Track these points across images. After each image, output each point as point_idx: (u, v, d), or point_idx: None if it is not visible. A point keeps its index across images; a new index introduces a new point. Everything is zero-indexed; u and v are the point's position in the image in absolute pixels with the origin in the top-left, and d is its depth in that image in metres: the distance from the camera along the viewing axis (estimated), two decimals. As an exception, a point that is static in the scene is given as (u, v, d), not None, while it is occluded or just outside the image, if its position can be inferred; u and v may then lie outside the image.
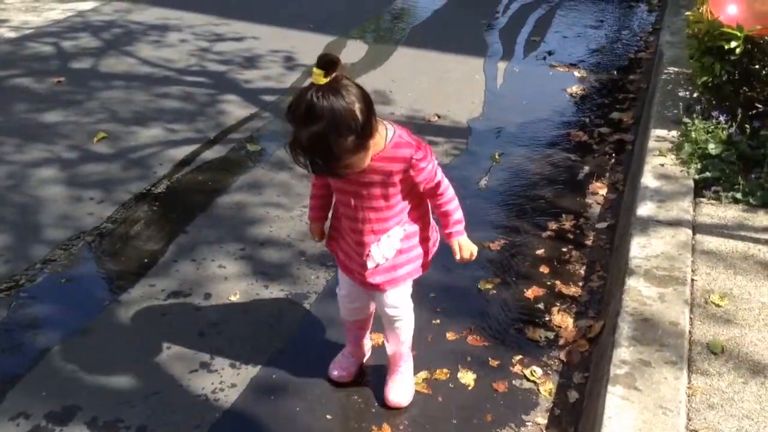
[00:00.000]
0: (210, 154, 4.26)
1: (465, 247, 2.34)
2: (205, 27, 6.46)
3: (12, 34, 6.06)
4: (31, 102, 4.82)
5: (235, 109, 4.84)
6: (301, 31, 6.37)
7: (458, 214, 2.33)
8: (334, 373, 2.63)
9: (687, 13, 4.37)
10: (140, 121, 4.61)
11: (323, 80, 1.90)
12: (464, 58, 5.92)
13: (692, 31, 4.06)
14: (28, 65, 5.44)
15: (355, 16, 6.92)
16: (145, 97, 4.97)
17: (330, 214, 2.44)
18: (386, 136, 2.12)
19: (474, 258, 2.35)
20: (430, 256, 2.42)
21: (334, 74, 1.91)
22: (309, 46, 5.95)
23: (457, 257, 2.34)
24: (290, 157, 1.99)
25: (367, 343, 2.71)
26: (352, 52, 5.95)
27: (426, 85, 5.31)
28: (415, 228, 2.33)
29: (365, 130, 1.98)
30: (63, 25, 6.37)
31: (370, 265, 2.28)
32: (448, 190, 2.28)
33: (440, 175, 2.24)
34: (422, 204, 2.33)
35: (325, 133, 1.90)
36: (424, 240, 2.37)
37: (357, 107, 1.94)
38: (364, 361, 2.70)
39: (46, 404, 2.48)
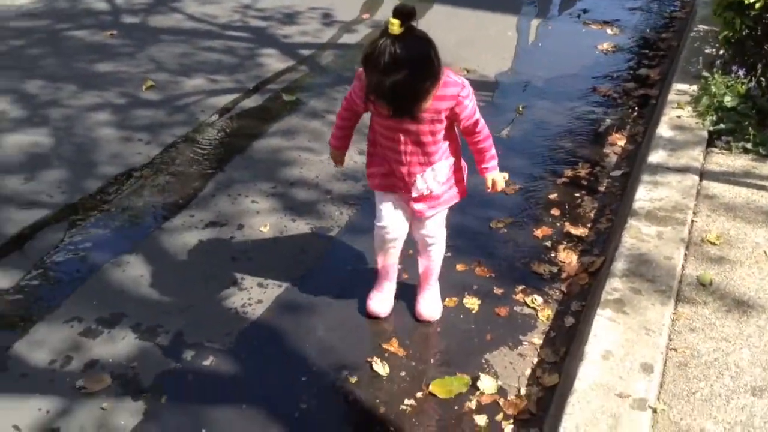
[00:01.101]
0: (248, 103, 4.54)
1: (499, 181, 2.58)
2: (249, -16, 6.72)
3: (69, -9, 6.43)
4: (86, 53, 5.16)
5: (273, 62, 5.11)
6: (342, -11, 6.58)
7: (493, 150, 2.55)
8: (373, 308, 2.81)
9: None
10: (185, 72, 4.92)
11: (399, 30, 2.08)
12: (499, 15, 6.06)
13: (716, -13, 4.14)
14: (83, 20, 5.79)
15: (395, -25, 7.09)
16: (190, 50, 5.27)
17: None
18: None
19: (505, 190, 2.60)
20: (465, 183, 2.65)
21: (408, 24, 2.09)
22: (346, 3, 6.16)
23: (490, 190, 2.59)
24: (371, 105, 2.25)
25: (397, 274, 2.90)
26: (388, 9, 6.10)
27: (458, 41, 5.47)
28: (452, 160, 2.55)
29: (438, 74, 2.19)
30: (116, -18, 6.70)
31: (415, 194, 2.50)
32: (484, 128, 2.49)
33: (478, 113, 2.43)
34: (457, 138, 2.54)
35: (409, 79, 2.10)
36: (458, 170, 2.60)
37: (432, 53, 2.15)
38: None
39: (96, 311, 2.82)
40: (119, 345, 2.66)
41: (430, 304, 2.83)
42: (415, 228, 2.69)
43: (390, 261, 2.80)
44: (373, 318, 2.82)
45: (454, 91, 2.32)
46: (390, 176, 2.56)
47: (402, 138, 2.40)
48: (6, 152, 3.89)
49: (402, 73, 2.08)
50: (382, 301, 2.84)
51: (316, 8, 6.16)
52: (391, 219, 2.65)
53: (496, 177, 2.58)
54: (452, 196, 2.62)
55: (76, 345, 2.66)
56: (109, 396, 2.45)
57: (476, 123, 2.44)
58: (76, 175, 3.70)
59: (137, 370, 2.56)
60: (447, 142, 2.49)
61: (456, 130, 2.53)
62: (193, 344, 2.67)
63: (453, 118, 2.39)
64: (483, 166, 2.57)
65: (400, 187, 2.55)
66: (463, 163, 2.63)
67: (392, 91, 2.12)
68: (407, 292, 2.92)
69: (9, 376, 2.53)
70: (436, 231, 2.68)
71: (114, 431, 2.33)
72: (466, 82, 2.37)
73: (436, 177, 2.50)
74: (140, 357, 2.61)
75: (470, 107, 2.38)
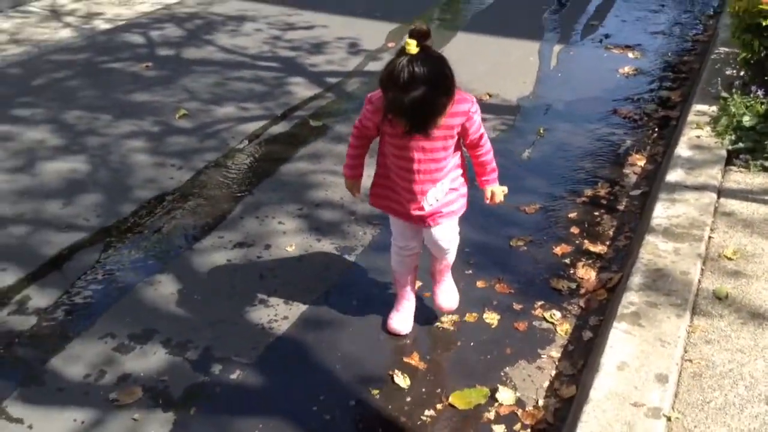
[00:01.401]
0: (277, 129, 4.70)
1: (497, 194, 2.69)
2: (278, 17, 6.95)
3: (106, 26, 6.71)
4: (122, 84, 5.39)
5: (301, 90, 5.27)
6: (368, 20, 6.76)
7: (494, 164, 2.66)
8: (394, 327, 2.89)
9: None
10: (216, 101, 5.10)
11: (415, 50, 2.21)
12: (521, 42, 6.18)
13: (733, 9, 4.20)
14: (120, 52, 6.04)
15: (421, 3, 7.28)
16: (221, 80, 5.47)
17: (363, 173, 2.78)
18: None
19: (503, 202, 2.72)
20: (468, 194, 2.73)
21: (423, 44, 2.22)
22: (373, 33, 6.33)
23: (488, 202, 2.69)
24: (386, 125, 2.36)
25: (416, 290, 2.99)
26: (414, 38, 6.29)
27: (481, 67, 5.59)
28: (460, 171, 2.65)
29: (453, 90, 2.31)
30: (151, 17, 6.98)
31: (426, 207, 2.59)
32: (487, 142, 2.61)
33: (483, 127, 2.55)
34: (460, 150, 2.63)
35: (427, 95, 2.22)
36: (464, 182, 2.69)
37: (447, 71, 2.27)
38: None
39: (129, 327, 2.94)
40: (151, 359, 2.77)
41: (448, 295, 2.93)
42: (429, 238, 2.74)
43: (407, 276, 2.89)
44: (394, 335, 2.90)
45: (465, 108, 2.43)
46: (401, 204, 2.63)
47: (416, 156, 2.49)
48: (45, 179, 4.08)
49: (420, 89, 2.19)
50: (402, 320, 2.91)
51: (343, 38, 6.34)
52: (407, 238, 2.78)
53: (495, 189, 2.69)
54: (461, 205, 2.70)
55: (109, 360, 2.78)
56: (141, 408, 2.56)
57: (481, 137, 2.56)
58: (111, 199, 3.87)
59: (167, 383, 2.67)
60: (456, 159, 2.60)
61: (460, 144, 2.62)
62: (221, 358, 2.78)
63: (462, 133, 2.50)
64: (484, 178, 2.68)
65: (414, 210, 2.61)
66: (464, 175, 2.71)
67: (411, 107, 2.23)
68: (427, 309, 2.99)
69: (46, 389, 2.65)
70: (450, 236, 2.75)
71: (145, 440, 2.44)
72: (474, 98, 2.48)
73: (443, 187, 2.59)
74: (170, 371, 2.72)
75: (478, 122, 2.50)
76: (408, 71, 2.19)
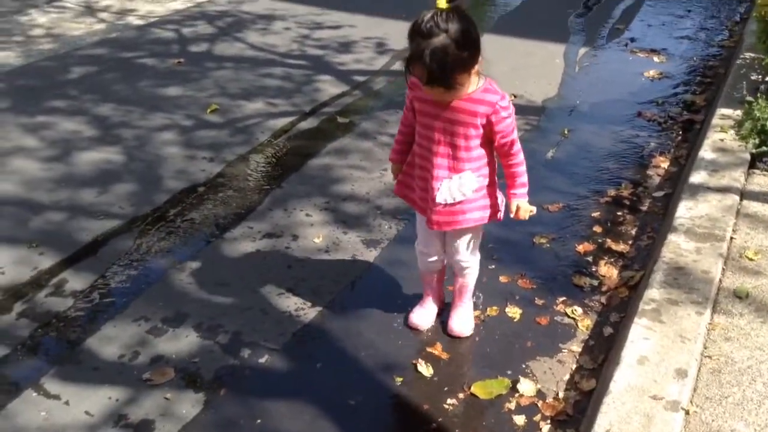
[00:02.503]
0: (305, 125, 4.79)
1: (523, 209, 2.63)
2: (307, 17, 7.05)
3: (139, 22, 6.85)
4: (155, 78, 5.51)
5: (329, 88, 5.37)
6: (395, 20, 6.81)
7: (524, 178, 2.62)
8: (414, 321, 2.96)
9: (760, -3, 4.53)
10: (246, 96, 5.21)
11: (445, 5, 2.28)
12: (547, 44, 6.23)
13: (760, 14, 4.23)
14: (152, 48, 6.17)
15: (446, 6, 7.34)
16: (251, 77, 5.57)
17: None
18: (478, 81, 2.45)
19: (527, 219, 2.66)
20: (501, 209, 2.69)
21: (455, 3, 2.28)
22: (399, 33, 6.31)
23: (512, 215, 2.65)
24: (405, 73, 2.36)
25: (443, 292, 3.05)
26: (441, 38, 6.36)
27: (507, 69, 5.65)
28: (486, 182, 2.61)
29: (475, 52, 2.34)
30: (183, 14, 7.11)
31: (438, 199, 2.57)
32: (519, 153, 2.57)
33: (516, 135, 2.53)
34: (493, 161, 2.61)
35: (446, 44, 2.24)
36: (492, 195, 2.64)
37: (472, 28, 2.31)
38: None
39: (162, 311, 3.04)
40: (182, 342, 2.87)
41: (462, 321, 2.93)
42: (449, 253, 2.78)
43: (431, 278, 2.93)
44: (414, 329, 2.94)
45: (493, 99, 2.43)
46: (421, 198, 2.65)
47: (437, 137, 2.49)
48: (81, 168, 4.20)
49: (441, 37, 2.23)
50: (422, 315, 2.96)
51: (371, 38, 6.43)
52: (427, 243, 2.80)
53: (521, 204, 2.62)
54: (480, 217, 2.63)
55: (143, 341, 2.88)
56: (173, 388, 2.65)
57: (512, 144, 2.51)
58: (144, 189, 3.98)
59: (199, 365, 2.76)
60: (481, 160, 2.55)
61: (495, 157, 2.59)
62: (250, 343, 2.87)
63: (489, 129, 2.46)
64: (511, 191, 2.63)
65: (428, 205, 2.61)
66: (499, 192, 2.68)
67: (431, 53, 2.23)
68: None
69: (82, 368, 2.75)
70: (468, 256, 2.76)
71: (176, 418, 2.52)
72: (508, 98, 2.48)
73: (462, 187, 2.54)
74: (202, 353, 2.82)
75: (507, 123, 2.46)
76: (433, 21, 2.24)
